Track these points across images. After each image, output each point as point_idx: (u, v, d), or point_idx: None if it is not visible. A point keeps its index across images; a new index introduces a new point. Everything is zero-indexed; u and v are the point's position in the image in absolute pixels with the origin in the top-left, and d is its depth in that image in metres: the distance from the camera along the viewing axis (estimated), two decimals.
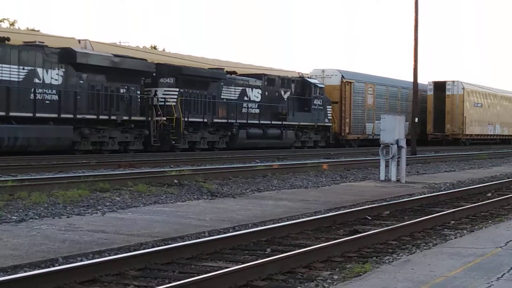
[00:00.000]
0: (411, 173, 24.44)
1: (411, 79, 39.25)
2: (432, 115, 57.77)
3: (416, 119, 39.43)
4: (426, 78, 74.52)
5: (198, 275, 7.63)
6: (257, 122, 39.51)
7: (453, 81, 58.02)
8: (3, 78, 27.10)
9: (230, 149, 37.11)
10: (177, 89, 34.31)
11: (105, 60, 30.92)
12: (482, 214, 14.10)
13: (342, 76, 48.40)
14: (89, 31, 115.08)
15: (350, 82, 48.70)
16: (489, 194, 17.94)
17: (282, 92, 41.90)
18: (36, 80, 28.27)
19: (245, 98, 38.95)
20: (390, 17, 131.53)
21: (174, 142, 33.90)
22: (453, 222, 12.84)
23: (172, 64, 36.03)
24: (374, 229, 11.30)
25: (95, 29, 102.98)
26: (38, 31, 47.45)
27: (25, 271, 7.85)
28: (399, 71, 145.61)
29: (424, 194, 17.75)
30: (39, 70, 28.36)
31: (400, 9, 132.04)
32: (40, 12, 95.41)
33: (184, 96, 34.59)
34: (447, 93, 57.78)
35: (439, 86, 58.13)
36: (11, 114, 27.13)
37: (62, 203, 13.30)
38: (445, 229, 12.02)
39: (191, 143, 35.53)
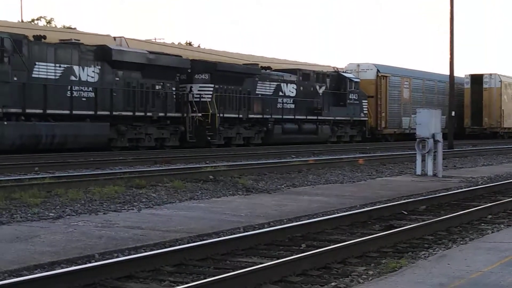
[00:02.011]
0: (448, 167, 24.25)
1: (448, 73, 38.95)
2: (469, 108, 57.20)
3: (453, 113, 39.11)
4: (463, 71, 74.00)
5: (233, 271, 7.65)
6: (292, 117, 39.47)
7: (490, 74, 57.39)
8: (40, 76, 27.37)
9: (265, 144, 37.13)
10: (212, 85, 34.38)
11: (140, 57, 31.10)
12: None
13: (378, 70, 48.14)
14: (124, 28, 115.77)
15: (386, 76, 48.42)
16: None
17: (317, 87, 41.80)
18: (73, 78, 28.52)
19: (280, 94, 38.92)
20: (426, 10, 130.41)
21: (209, 138, 33.98)
22: (490, 216, 12.71)
23: (207, 60, 36.15)
24: (410, 224, 11.24)
25: (130, 26, 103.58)
26: (74, 28, 47.92)
27: (62, 268, 7.94)
28: (436, 65, 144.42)
29: (461, 188, 17.60)
30: (75, 68, 28.61)
31: (436, 1, 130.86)
32: (76, 10, 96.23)
33: (219, 92, 34.65)
34: (484, 86, 57.17)
35: (476, 79, 57.53)
36: (48, 111, 27.40)
37: (98, 199, 13.42)
38: (482, 224, 11.91)
39: (226, 139, 35.60)
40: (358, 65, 48.51)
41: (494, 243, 9.40)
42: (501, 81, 57.13)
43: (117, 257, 8.58)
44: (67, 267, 7.87)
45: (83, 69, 28.89)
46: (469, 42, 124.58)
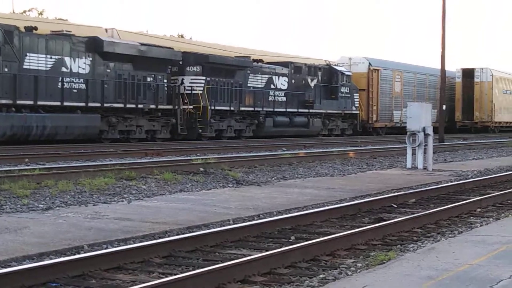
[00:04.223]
0: (439, 161, 24.32)
1: (439, 66, 39.02)
2: (460, 102, 57.33)
3: (444, 107, 39.19)
4: (454, 65, 73.94)
5: (222, 263, 7.66)
6: (284, 110, 39.46)
7: (482, 68, 57.50)
8: (31, 67, 27.30)
9: (256, 137, 37.14)
10: (204, 78, 34.35)
11: (132, 49, 31.04)
12: (509, 201, 13.97)
13: (369, 64, 48.17)
14: (116, 20, 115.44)
15: (378, 70, 48.46)
16: None
17: (309, 80, 41.79)
18: (64, 69, 28.46)
19: (272, 86, 38.91)
20: (418, 4, 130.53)
21: (201, 131, 33.99)
22: (479, 210, 12.76)
23: (198, 53, 36.08)
24: (399, 217, 11.27)
25: (122, 18, 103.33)
26: (66, 20, 47.70)
27: (51, 259, 7.93)
28: (427, 59, 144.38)
29: (451, 181, 17.66)
30: (67, 59, 28.55)
31: None
32: (68, 2, 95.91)
33: (210, 84, 34.62)
34: (476, 80, 57.27)
35: (468, 73, 57.64)
36: (39, 103, 27.35)
37: (88, 191, 13.41)
38: (471, 217, 11.95)
39: (217, 131, 35.60)
40: (350, 58, 48.53)
41: (482, 236, 9.42)
42: (492, 75, 57.23)
43: (106, 248, 8.59)
44: (55, 258, 7.87)
45: (74, 61, 28.82)
46: (461, 36, 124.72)
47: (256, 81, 37.93)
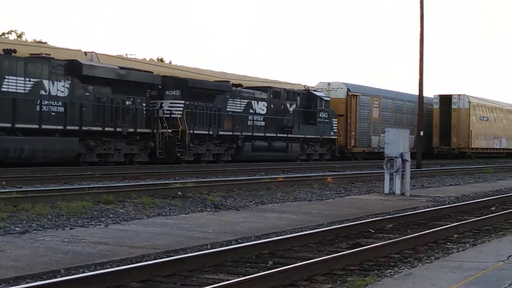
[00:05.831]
0: (416, 186, 24.43)
1: (417, 93, 39.29)
2: (438, 128, 57.68)
3: (422, 133, 39.42)
4: (432, 92, 74.65)
5: (199, 287, 7.64)
6: (263, 134, 39.52)
7: (459, 95, 57.98)
8: (9, 90, 27.19)
9: (235, 161, 37.12)
10: (183, 102, 34.37)
11: (111, 73, 31.00)
12: (486, 228, 14.09)
13: (348, 89, 48.42)
14: (95, 43, 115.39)
15: (356, 95, 48.73)
16: (493, 208, 17.93)
17: (288, 105, 41.94)
18: (42, 92, 28.35)
19: (251, 111, 38.99)
20: (397, 31, 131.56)
21: (179, 154, 33.93)
22: (456, 235, 12.83)
23: (178, 77, 36.13)
24: (377, 242, 11.30)
25: (101, 41, 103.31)
26: (45, 43, 47.66)
27: (27, 282, 7.89)
28: (406, 85, 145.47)
29: (428, 207, 17.75)
30: (45, 82, 28.45)
31: (407, 22, 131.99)
32: (47, 25, 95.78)
33: (189, 108, 34.64)
34: (453, 106, 57.71)
35: (445, 100, 58.07)
36: (17, 125, 27.19)
37: (65, 214, 13.34)
38: (448, 243, 12.02)
39: (196, 155, 35.55)
40: (329, 83, 48.76)
41: (459, 262, 9.48)
42: (469, 101, 57.71)
43: (83, 272, 8.55)
44: (31, 282, 7.82)
45: (53, 84, 28.72)
46: (439, 62, 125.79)
47: (235, 105, 38.00)
